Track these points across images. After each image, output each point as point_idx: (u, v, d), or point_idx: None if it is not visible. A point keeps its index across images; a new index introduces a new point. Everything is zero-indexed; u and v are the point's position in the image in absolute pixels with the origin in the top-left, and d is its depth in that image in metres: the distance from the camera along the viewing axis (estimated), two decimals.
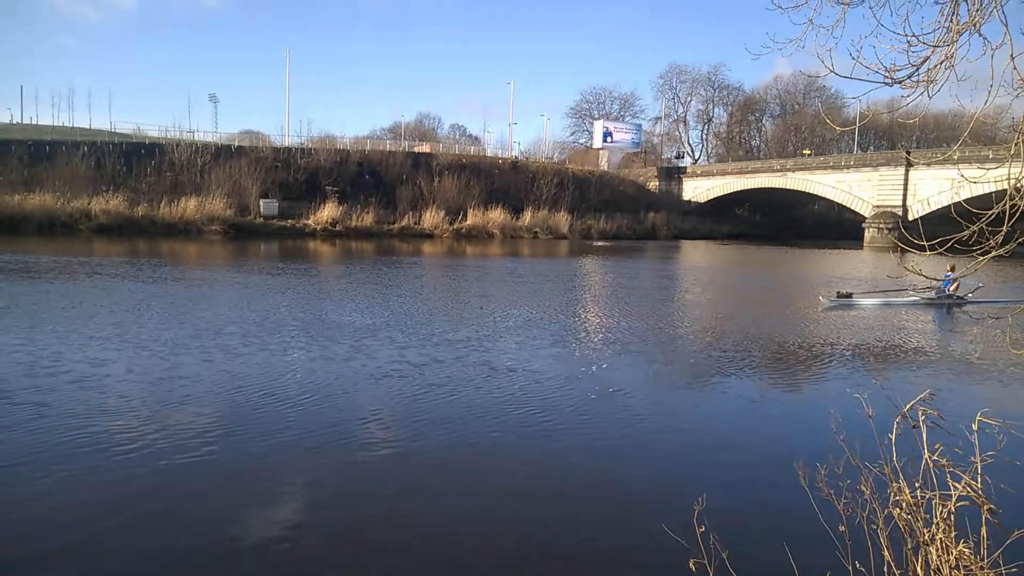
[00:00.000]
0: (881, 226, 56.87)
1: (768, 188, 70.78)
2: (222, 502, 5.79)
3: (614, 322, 15.92)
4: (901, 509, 3.13)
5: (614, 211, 66.87)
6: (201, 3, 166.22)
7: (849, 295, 19.33)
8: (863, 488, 3.29)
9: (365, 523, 5.52)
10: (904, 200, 57.43)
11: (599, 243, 54.57)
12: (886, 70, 3.93)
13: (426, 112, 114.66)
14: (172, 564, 4.81)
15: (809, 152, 79.46)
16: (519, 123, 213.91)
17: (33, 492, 5.77)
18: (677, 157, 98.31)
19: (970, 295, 19.88)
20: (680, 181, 79.68)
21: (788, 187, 68.62)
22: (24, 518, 5.36)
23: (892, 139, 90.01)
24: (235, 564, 4.81)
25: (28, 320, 13.58)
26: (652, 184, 79.38)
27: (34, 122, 74.96)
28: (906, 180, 57.50)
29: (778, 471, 6.34)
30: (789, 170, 68.52)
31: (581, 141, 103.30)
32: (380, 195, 54.53)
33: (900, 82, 3.98)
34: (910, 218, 55.16)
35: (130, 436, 7.03)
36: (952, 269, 19.71)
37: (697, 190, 77.68)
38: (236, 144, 57.92)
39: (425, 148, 70.09)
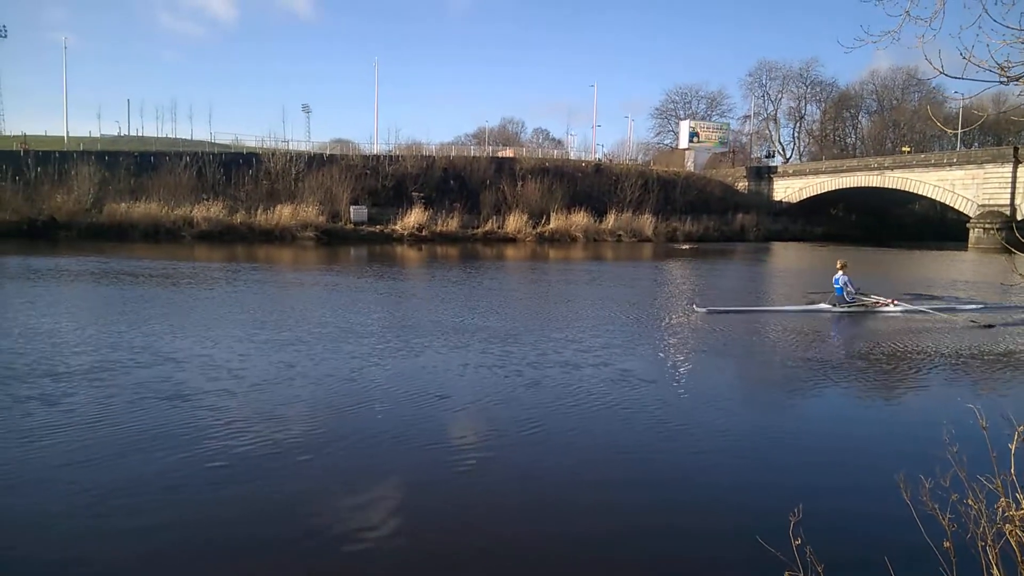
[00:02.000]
0: (987, 226, 53.68)
1: (864, 187, 67.89)
2: (326, 503, 6.00)
3: (707, 325, 15.64)
4: (1013, 525, 2.99)
5: (700, 213, 65.46)
6: (295, 16, 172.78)
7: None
8: (971, 503, 3.15)
9: (461, 525, 5.64)
10: (1012, 199, 54.04)
11: (684, 246, 53.50)
12: (999, 67, 3.71)
13: (509, 117, 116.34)
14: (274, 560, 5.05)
15: (908, 149, 75.73)
16: (602, 125, 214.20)
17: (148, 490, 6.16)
18: (767, 156, 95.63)
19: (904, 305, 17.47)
20: (770, 181, 77.38)
21: (886, 186, 65.57)
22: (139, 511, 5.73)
23: (998, 134, 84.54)
24: (331, 559, 5.00)
25: (203, 325, 14.33)
26: (740, 184, 77.35)
27: (140, 134, 79.86)
28: (1014, 177, 54.09)
29: (878, 483, 6.10)
30: (887, 168, 65.47)
31: (666, 142, 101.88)
32: (464, 200, 55.25)
33: (1016, 79, 3.75)
34: (1019, 217, 51.82)
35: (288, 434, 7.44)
36: (843, 268, 17.21)
37: (788, 190, 75.26)
38: (328, 152, 60.10)
39: (508, 153, 70.60)
